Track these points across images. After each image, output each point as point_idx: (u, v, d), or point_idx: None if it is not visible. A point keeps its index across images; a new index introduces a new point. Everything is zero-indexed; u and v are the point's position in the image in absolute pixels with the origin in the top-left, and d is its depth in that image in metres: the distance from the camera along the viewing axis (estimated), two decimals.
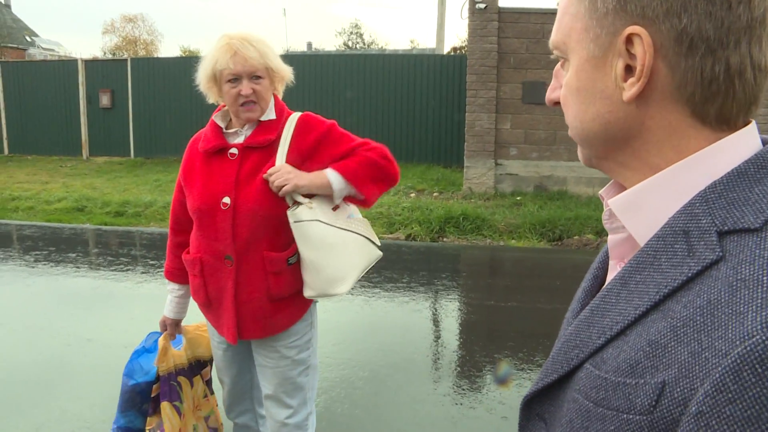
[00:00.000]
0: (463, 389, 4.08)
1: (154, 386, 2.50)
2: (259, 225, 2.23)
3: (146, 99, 15.06)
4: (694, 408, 0.60)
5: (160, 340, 2.53)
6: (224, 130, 2.35)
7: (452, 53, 23.79)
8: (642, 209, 0.77)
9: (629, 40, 0.72)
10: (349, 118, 12.88)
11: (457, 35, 41.71)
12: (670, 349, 0.65)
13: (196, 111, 14.54)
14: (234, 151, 2.29)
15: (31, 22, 53.50)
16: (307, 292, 2.29)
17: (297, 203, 2.24)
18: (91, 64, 16.05)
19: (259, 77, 2.23)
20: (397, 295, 5.93)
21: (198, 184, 2.32)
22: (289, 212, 2.22)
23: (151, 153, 15.11)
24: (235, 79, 2.21)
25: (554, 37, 0.83)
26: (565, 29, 0.80)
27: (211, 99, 2.34)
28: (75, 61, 16.03)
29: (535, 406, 0.90)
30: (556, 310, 5.63)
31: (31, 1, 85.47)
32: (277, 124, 2.31)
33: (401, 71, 13.40)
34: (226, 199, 2.23)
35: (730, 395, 0.57)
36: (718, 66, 0.70)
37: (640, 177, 0.78)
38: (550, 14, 10.61)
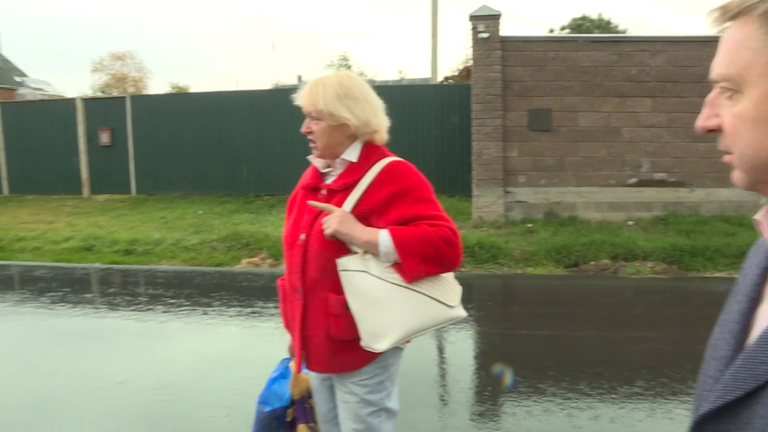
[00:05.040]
0: (487, 420, 4.03)
1: (289, 410, 2.56)
2: (325, 265, 2.27)
3: (146, 136, 15.03)
4: None
5: (291, 365, 2.59)
6: (322, 170, 2.43)
7: (445, 83, 23.97)
8: None
9: None
10: None
11: (447, 65, 42.04)
12: None
13: (197, 146, 14.54)
14: (324, 191, 2.37)
15: (20, 62, 53.81)
16: (360, 342, 2.26)
17: (355, 253, 2.24)
18: (90, 102, 16.05)
19: (316, 118, 2.30)
20: None
21: (291, 218, 2.46)
22: (337, 260, 2.24)
23: (154, 190, 15.04)
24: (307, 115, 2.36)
25: (725, 70, 0.87)
26: (741, 63, 0.84)
27: None
28: (73, 99, 16.02)
29: (707, 425, 0.92)
30: (589, 338, 5.60)
31: (19, 41, 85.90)
32: (361, 169, 2.32)
33: (401, 102, 13.45)
34: (302, 236, 2.34)
35: None
36: None
37: None
38: (552, 42, 10.75)
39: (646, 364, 4.89)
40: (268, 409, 2.56)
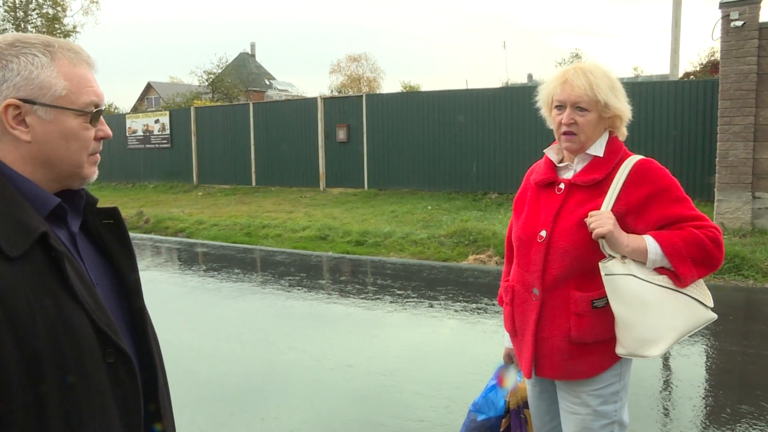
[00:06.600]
0: None
1: (503, 420, 2.51)
2: (570, 264, 2.17)
3: (379, 133, 15.72)
4: None
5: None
6: (557, 165, 2.32)
7: (685, 78, 22.29)
8: None
9: None
10: None
11: (688, 60, 39.17)
12: None
13: (427, 143, 14.92)
14: (561, 186, 2.26)
15: (269, 67, 59.23)
16: (618, 349, 2.15)
17: (611, 256, 2.13)
18: (329, 101, 17.14)
19: (583, 109, 2.17)
20: None
21: (523, 215, 2.34)
22: (600, 264, 2.12)
23: (384, 185, 15.70)
24: (560, 106, 2.21)
25: None
26: None
27: (549, 124, 2.32)
28: (315, 99, 17.21)
29: None
30: None
31: (270, 48, 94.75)
32: (607, 164, 2.21)
33: (637, 100, 12.70)
34: (543, 233, 2.23)
35: None
36: None
37: None
38: None
39: None
40: (481, 417, 2.51)
